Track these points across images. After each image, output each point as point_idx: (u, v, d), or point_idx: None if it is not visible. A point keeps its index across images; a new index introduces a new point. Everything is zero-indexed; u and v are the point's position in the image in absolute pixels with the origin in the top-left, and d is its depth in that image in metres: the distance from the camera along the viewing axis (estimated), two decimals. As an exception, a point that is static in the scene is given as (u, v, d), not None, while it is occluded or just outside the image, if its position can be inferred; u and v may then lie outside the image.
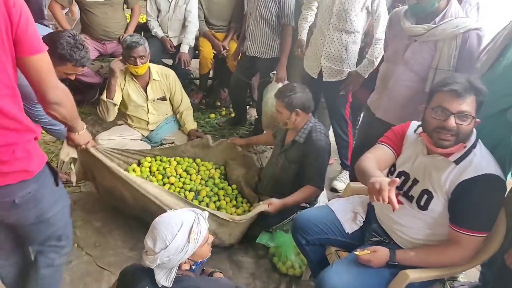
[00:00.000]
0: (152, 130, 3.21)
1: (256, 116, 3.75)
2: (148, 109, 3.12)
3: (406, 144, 1.76)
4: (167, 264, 1.33)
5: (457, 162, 1.56)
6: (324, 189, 2.52)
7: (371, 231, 1.82)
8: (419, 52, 2.14)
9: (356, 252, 1.68)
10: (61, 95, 1.37)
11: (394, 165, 1.80)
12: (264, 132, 3.59)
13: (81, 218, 2.61)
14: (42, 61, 1.28)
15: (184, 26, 3.72)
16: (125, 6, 3.75)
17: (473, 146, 1.57)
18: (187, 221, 1.36)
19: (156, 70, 3.08)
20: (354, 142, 2.98)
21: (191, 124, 3.24)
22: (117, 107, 3.03)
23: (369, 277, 1.62)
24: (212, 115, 4.01)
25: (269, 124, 3.35)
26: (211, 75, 4.21)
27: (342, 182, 3.13)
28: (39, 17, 3.94)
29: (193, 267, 1.43)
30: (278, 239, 2.36)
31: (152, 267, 1.34)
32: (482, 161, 1.53)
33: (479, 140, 1.60)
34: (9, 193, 1.34)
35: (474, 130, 1.58)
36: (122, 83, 3.02)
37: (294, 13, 3.08)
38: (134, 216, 2.55)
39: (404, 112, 2.20)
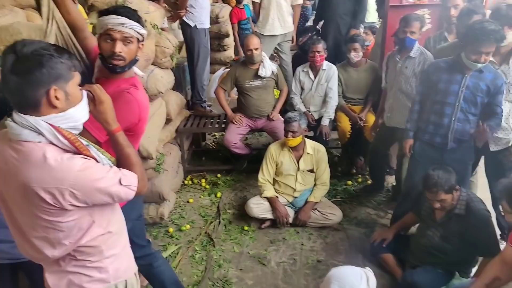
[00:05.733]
0: (296, 197, 3.50)
1: (394, 183, 3.79)
2: (296, 178, 3.45)
3: None
4: None
5: None
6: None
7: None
8: None
9: None
10: None
11: None
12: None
13: (236, 276, 2.91)
14: None
15: (324, 101, 4.08)
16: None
17: None
18: (363, 271, 1.57)
19: (311, 145, 3.45)
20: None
21: (314, 196, 3.44)
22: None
23: None
24: (349, 182, 4.16)
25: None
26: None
27: None
28: (198, 100, 4.66)
29: None
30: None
31: None
32: None
33: None
34: None
35: None
36: (278, 153, 3.44)
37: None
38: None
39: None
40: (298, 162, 3.42)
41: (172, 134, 3.98)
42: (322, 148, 3.46)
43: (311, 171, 3.46)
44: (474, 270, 2.65)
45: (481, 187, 3.21)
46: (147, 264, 2.23)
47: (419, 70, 3.18)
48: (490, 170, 3.01)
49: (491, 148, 2.84)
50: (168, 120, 3.81)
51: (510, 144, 2.80)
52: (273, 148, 3.48)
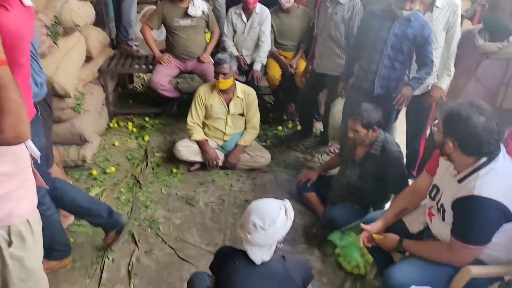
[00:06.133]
0: (226, 141, 3.50)
1: (322, 130, 3.93)
2: (226, 122, 3.43)
3: (442, 161, 1.89)
4: (271, 239, 1.54)
5: (460, 181, 1.68)
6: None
7: (430, 233, 1.93)
8: (490, 69, 2.24)
9: (374, 235, 1.94)
10: None
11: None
12: (329, 144, 3.78)
13: (163, 216, 2.91)
14: None
15: (257, 46, 4.01)
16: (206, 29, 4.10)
17: (480, 167, 1.64)
18: (282, 203, 1.61)
19: (241, 88, 3.39)
20: (422, 154, 3.08)
21: (244, 140, 3.46)
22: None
23: (433, 272, 1.73)
24: (280, 128, 4.24)
25: (335, 136, 3.54)
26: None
27: None
28: (124, 37, 4.38)
29: (281, 245, 1.64)
30: (346, 239, 2.51)
31: (258, 245, 1.53)
32: (480, 183, 1.60)
33: (495, 161, 1.64)
34: None
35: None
36: (207, 96, 3.36)
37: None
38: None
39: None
40: (228, 105, 3.38)
41: (94, 73, 3.73)
42: (252, 92, 3.44)
43: (242, 115, 3.44)
44: (387, 206, 2.88)
45: (399, 131, 3.43)
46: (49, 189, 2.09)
47: (348, 17, 3.22)
48: (410, 114, 3.19)
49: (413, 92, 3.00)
50: (88, 58, 3.56)
51: (429, 88, 2.98)
52: (203, 91, 3.39)
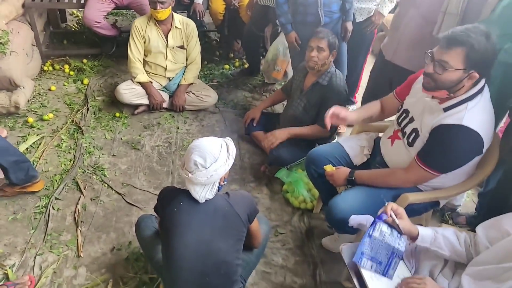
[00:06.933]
0: (170, 80, 3.35)
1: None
2: (166, 56, 3.26)
3: (415, 87, 1.89)
4: (213, 177, 1.52)
5: (446, 110, 1.67)
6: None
7: (375, 163, 2.00)
8: None
9: (324, 167, 1.98)
10: None
11: (402, 103, 1.95)
12: (267, 82, 3.75)
13: (108, 162, 2.82)
14: None
15: (198, -22, 3.75)
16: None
17: (469, 99, 1.63)
18: (223, 141, 1.59)
19: (179, 19, 3.20)
20: (366, 84, 3.10)
21: (186, 78, 3.33)
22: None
23: (372, 200, 1.80)
24: (226, 66, 4.12)
25: (266, 70, 3.59)
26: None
27: None
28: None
29: (224, 182, 1.65)
30: (293, 175, 2.56)
31: (200, 184, 1.52)
32: (468, 115, 1.60)
33: (483, 97, 1.64)
34: None
35: (480, 84, 1.62)
36: (144, 28, 3.15)
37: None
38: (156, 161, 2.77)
39: (413, 55, 2.31)
40: (166, 37, 3.20)
41: (18, 9, 3.37)
42: (191, 23, 3.26)
43: (182, 47, 3.28)
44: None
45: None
46: None
47: None
48: (351, 41, 3.13)
49: (356, 19, 2.97)
50: (10, -8, 3.19)
51: (372, 14, 2.96)
52: (139, 22, 3.17)
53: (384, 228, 1.50)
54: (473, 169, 1.82)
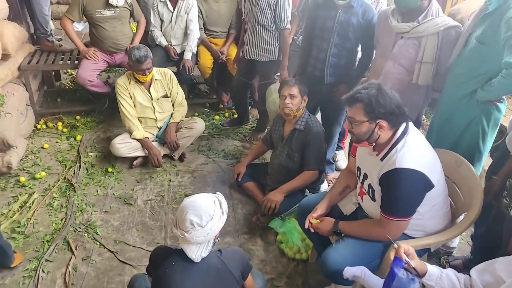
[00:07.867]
0: (160, 128, 3.44)
1: (258, 116, 3.94)
2: (154, 108, 3.36)
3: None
4: (210, 235, 1.52)
5: (382, 159, 1.77)
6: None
7: (363, 212, 2.01)
8: (405, 48, 2.36)
9: (310, 219, 2.00)
10: None
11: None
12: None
13: (100, 219, 2.80)
14: None
15: (186, 34, 3.90)
16: (131, 19, 3.91)
17: (395, 144, 1.73)
18: (215, 197, 1.60)
19: (156, 71, 3.32)
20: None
21: (174, 118, 3.43)
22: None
23: (365, 250, 1.80)
24: (217, 117, 4.22)
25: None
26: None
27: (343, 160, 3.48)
28: (42, 33, 4.09)
29: (218, 239, 1.65)
30: (286, 225, 2.56)
31: (196, 243, 1.52)
32: (399, 157, 1.69)
33: (410, 135, 1.74)
34: None
35: (401, 128, 1.73)
36: (128, 86, 3.27)
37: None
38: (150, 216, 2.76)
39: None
40: (149, 91, 3.32)
41: (13, 72, 3.47)
42: (168, 70, 3.40)
43: (165, 96, 3.40)
44: (322, 187, 2.97)
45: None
46: None
47: (273, 2, 3.22)
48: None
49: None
50: (5, 56, 3.31)
51: None
52: (122, 81, 3.28)
53: (401, 273, 1.49)
54: (444, 203, 1.86)
